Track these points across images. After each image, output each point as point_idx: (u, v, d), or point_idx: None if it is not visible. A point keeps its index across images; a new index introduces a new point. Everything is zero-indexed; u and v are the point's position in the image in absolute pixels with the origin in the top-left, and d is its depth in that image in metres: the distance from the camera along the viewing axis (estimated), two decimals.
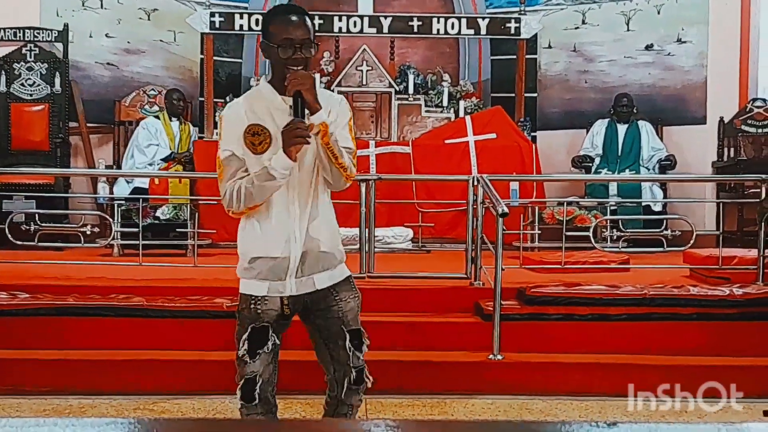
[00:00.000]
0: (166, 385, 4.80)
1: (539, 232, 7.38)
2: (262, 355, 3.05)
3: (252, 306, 3.07)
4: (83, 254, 6.73)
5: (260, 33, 3.12)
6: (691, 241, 6.15)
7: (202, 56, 9.36)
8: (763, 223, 5.73)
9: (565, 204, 7.33)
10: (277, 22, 3.03)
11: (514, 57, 9.37)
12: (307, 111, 2.93)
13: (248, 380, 3.06)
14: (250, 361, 3.05)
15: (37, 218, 6.46)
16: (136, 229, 6.42)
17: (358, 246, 5.83)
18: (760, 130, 8.74)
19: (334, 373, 3.19)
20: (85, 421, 1.11)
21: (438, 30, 9.22)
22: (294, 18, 3.01)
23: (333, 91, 3.14)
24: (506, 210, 5.09)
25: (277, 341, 3.10)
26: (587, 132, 9.21)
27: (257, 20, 9.07)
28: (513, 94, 9.37)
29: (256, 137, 2.99)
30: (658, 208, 8.40)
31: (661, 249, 6.53)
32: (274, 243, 3.04)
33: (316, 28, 3.13)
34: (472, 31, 9.28)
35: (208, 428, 1.23)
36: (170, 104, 8.71)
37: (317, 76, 3.04)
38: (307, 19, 3.04)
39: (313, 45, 3.02)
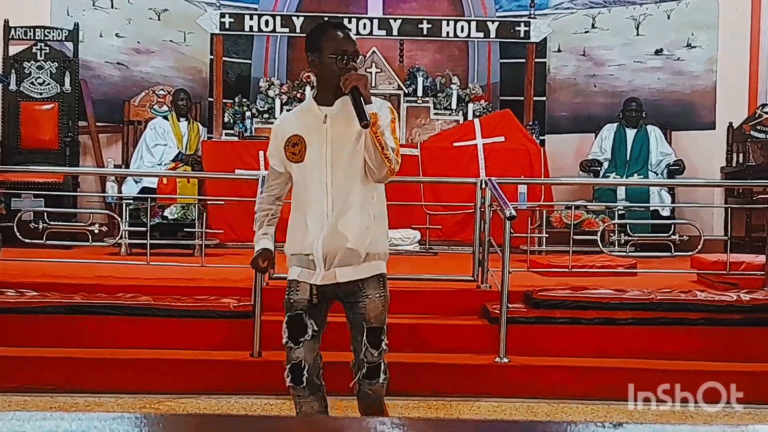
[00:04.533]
0: (172, 385, 4.81)
1: (547, 235, 7.36)
2: (304, 342, 3.36)
3: (288, 294, 3.41)
4: (91, 253, 6.74)
5: (307, 48, 3.40)
6: (699, 246, 6.13)
7: (212, 57, 9.38)
8: None
9: (573, 208, 7.31)
10: (330, 37, 3.35)
11: (524, 60, 9.36)
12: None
13: (294, 365, 3.38)
14: (294, 347, 3.37)
15: (45, 216, 6.48)
16: (144, 229, 6.43)
17: None
18: None
19: (353, 362, 3.45)
20: (92, 416, 1.11)
21: (447, 33, 9.21)
22: (345, 32, 3.39)
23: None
24: (514, 213, 5.08)
25: (316, 327, 3.39)
26: (596, 136, 9.19)
27: (266, 21, 9.09)
28: (522, 98, 9.37)
29: (295, 147, 3.35)
30: (666, 212, 8.37)
31: (668, 254, 6.51)
32: (305, 239, 3.34)
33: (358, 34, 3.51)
34: (481, 34, 9.27)
35: (213, 424, 1.23)
36: (176, 104, 8.73)
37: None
38: (351, 33, 3.42)
39: (359, 56, 3.41)
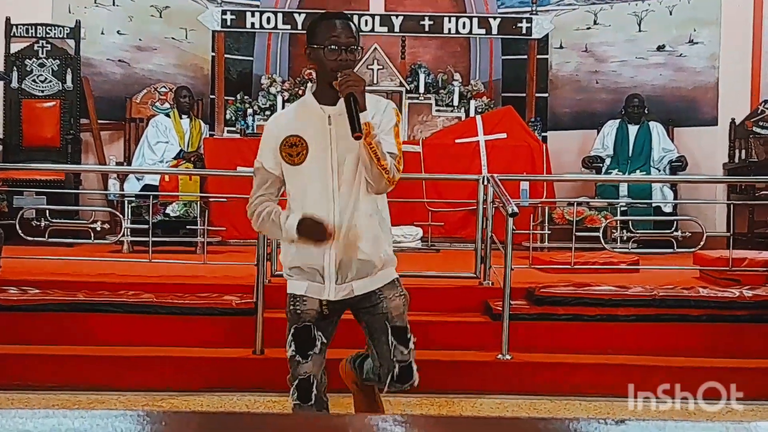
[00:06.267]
0: (175, 382, 4.80)
1: (549, 232, 7.35)
2: (313, 356, 3.13)
3: (292, 306, 3.17)
4: (93, 250, 6.74)
5: (306, 40, 3.17)
6: (702, 243, 6.11)
7: (214, 54, 9.39)
8: None
9: (575, 204, 7.31)
10: (323, 27, 3.10)
11: (525, 57, 9.36)
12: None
13: (302, 381, 3.13)
14: (302, 362, 3.12)
15: (47, 214, 6.48)
16: (146, 226, 6.43)
17: None
18: None
19: (379, 367, 3.26)
20: (94, 413, 1.11)
21: (449, 29, 9.21)
22: (339, 22, 3.09)
23: None
24: (516, 210, 5.07)
25: (324, 340, 3.17)
26: (598, 132, 9.19)
27: (268, 18, 9.09)
28: (524, 94, 9.37)
29: (293, 148, 3.10)
30: (668, 209, 8.37)
31: (671, 250, 6.49)
32: (311, 251, 3.10)
33: (360, 31, 3.20)
34: (483, 31, 9.27)
35: (216, 422, 1.23)
36: (178, 101, 8.73)
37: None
38: (351, 24, 3.13)
39: (358, 49, 3.11)
